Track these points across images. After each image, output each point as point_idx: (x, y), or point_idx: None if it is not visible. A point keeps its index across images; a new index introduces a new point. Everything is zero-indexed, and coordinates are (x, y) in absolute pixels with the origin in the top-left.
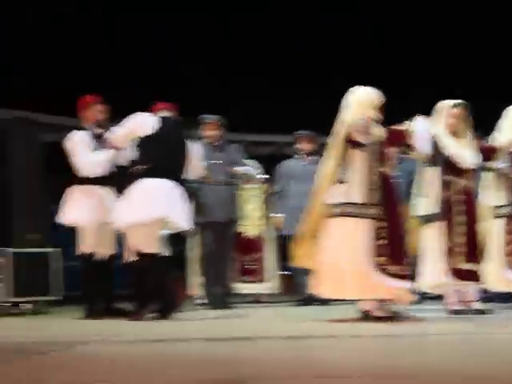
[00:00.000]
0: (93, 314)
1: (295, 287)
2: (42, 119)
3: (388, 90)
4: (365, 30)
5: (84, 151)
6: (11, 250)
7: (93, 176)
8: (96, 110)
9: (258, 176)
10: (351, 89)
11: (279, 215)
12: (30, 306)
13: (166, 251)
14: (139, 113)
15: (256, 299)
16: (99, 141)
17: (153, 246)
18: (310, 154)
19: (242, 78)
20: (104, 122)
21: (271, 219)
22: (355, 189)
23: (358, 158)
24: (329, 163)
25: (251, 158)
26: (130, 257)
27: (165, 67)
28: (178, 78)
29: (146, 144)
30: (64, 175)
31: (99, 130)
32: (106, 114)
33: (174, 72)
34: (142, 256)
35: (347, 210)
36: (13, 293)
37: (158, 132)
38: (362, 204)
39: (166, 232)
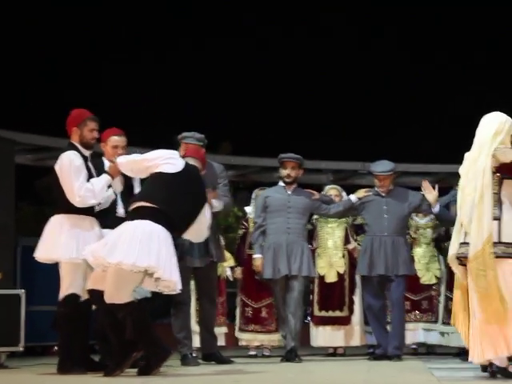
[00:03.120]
0: (70, 368)
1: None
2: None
3: None
4: None
5: (77, 177)
6: None
7: (85, 206)
8: (89, 128)
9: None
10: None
11: (258, 256)
12: None
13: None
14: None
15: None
16: (89, 165)
17: (126, 295)
18: (294, 182)
19: None
20: (93, 143)
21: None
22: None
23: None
24: (482, 198)
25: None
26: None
27: None
28: None
29: (158, 182)
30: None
31: (88, 152)
32: (97, 133)
33: None
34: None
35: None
36: None
37: (178, 175)
38: None
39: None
